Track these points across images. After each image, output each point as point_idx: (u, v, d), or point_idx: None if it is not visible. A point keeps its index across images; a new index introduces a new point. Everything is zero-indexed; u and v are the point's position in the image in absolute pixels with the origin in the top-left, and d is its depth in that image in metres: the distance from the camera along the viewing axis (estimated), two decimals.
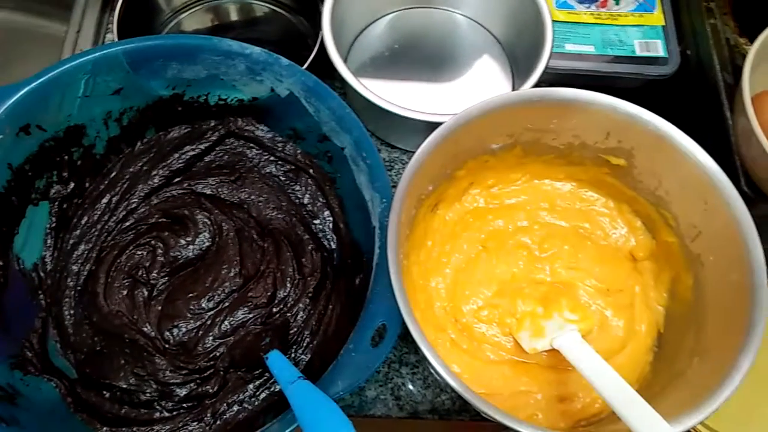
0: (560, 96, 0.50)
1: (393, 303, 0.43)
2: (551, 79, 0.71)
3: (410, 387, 0.57)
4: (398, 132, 0.67)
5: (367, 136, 0.51)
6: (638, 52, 0.69)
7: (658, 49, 0.70)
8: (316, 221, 0.59)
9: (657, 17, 0.72)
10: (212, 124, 0.59)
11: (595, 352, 0.47)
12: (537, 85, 0.62)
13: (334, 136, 0.54)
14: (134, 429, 0.48)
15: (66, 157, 0.55)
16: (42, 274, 0.54)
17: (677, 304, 0.53)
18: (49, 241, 0.55)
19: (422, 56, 0.73)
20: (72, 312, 0.54)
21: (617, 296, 0.55)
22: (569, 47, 0.71)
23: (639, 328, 0.54)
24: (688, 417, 0.41)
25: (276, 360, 0.46)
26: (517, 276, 0.56)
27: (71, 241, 0.56)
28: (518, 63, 0.71)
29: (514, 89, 0.70)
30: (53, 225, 0.56)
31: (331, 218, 0.58)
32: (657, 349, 0.54)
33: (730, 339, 0.44)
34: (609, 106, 0.50)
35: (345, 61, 0.71)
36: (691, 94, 0.70)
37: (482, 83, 0.71)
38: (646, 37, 0.71)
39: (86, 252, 0.56)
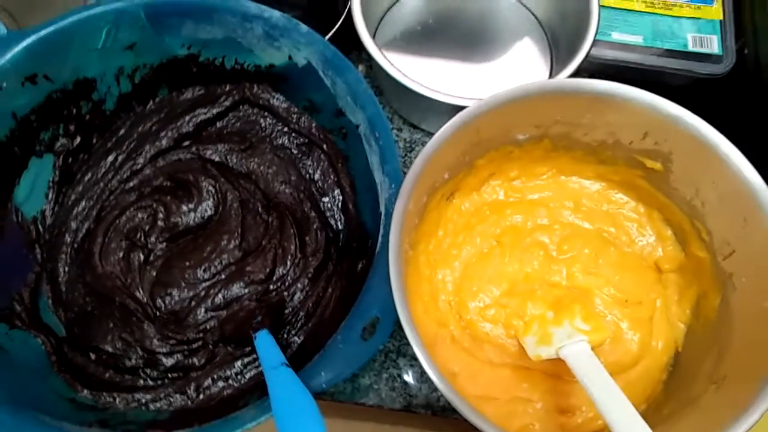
0: (596, 89, 0.46)
1: (390, 296, 0.40)
2: (593, 68, 0.66)
3: (406, 379, 0.55)
4: (422, 112, 0.63)
5: (381, 115, 0.47)
6: (691, 47, 0.64)
7: (713, 45, 0.64)
8: (325, 199, 0.56)
9: (715, 11, 0.66)
10: (227, 89, 0.57)
11: (604, 368, 0.44)
12: (576, 73, 0.57)
13: (350, 112, 0.51)
14: (115, 395, 0.47)
15: (74, 111, 0.54)
16: (41, 228, 0.53)
17: (700, 324, 0.49)
18: (50, 195, 0.54)
19: (457, 34, 0.69)
20: (67, 269, 0.53)
21: (636, 308, 0.51)
22: (616, 36, 0.66)
23: (655, 345, 0.51)
24: None
25: (263, 341, 0.44)
26: (531, 276, 0.53)
27: (73, 197, 0.54)
28: (559, 48, 0.67)
29: (551, 76, 0.66)
30: (56, 179, 0.54)
31: (340, 197, 0.55)
32: (672, 369, 0.50)
33: (752, 371, 0.40)
34: (649, 105, 0.45)
35: (375, 32, 0.68)
36: (744, 97, 0.64)
37: (519, 67, 0.67)
38: (701, 32, 0.65)
39: (87, 209, 0.54)
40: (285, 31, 0.50)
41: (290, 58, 0.52)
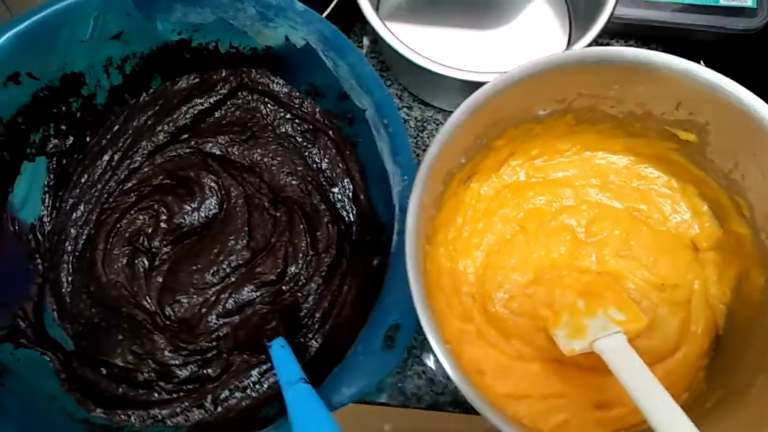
0: (625, 58, 0.41)
1: (410, 299, 0.37)
2: (616, 29, 0.61)
3: (431, 375, 0.52)
4: (433, 89, 0.59)
5: (389, 100, 0.44)
6: (722, 1, 0.59)
7: None
8: (335, 189, 0.53)
9: None
10: (223, 75, 0.53)
11: (642, 361, 0.41)
12: (598, 37, 0.53)
13: (355, 95, 0.47)
14: (130, 412, 0.45)
15: (64, 109, 0.51)
16: (40, 237, 0.51)
17: (742, 306, 0.46)
18: (47, 201, 0.51)
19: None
20: (70, 279, 0.50)
21: (672, 291, 0.48)
22: None
23: (695, 329, 0.48)
24: None
25: (279, 352, 0.42)
26: (558, 262, 0.49)
27: (70, 201, 0.52)
28: (578, 9, 0.62)
29: (570, 42, 0.61)
30: (51, 183, 0.52)
31: (351, 187, 0.52)
32: (714, 354, 0.47)
33: None
34: (683, 72, 0.41)
35: (378, 3, 0.63)
36: None
37: (534, 33, 0.62)
38: None
39: (85, 214, 0.52)
40: (279, 10, 0.46)
41: (287, 39, 0.48)
